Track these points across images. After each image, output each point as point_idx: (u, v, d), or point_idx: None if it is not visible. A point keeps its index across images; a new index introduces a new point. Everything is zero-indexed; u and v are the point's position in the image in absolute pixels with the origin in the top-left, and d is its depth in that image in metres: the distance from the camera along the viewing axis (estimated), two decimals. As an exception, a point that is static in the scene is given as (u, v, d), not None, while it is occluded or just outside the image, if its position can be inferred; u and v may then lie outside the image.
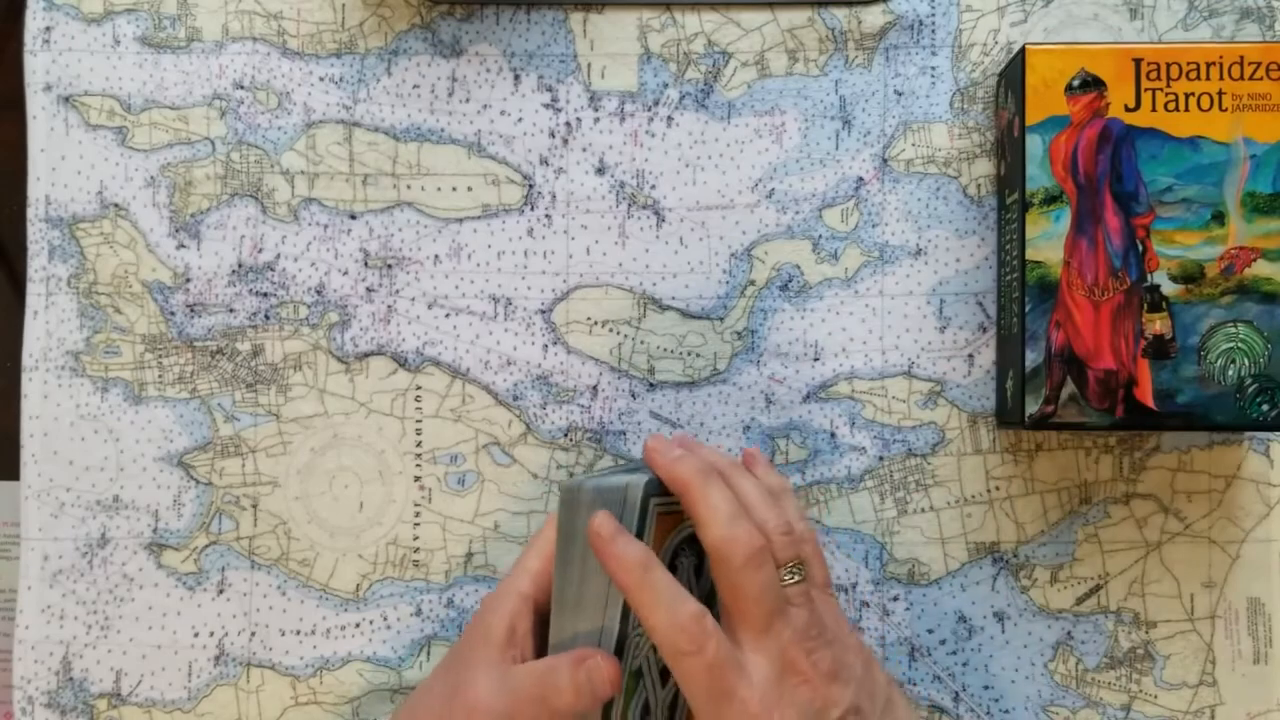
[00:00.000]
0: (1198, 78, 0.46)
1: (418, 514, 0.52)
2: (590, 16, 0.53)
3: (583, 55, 0.53)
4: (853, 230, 0.52)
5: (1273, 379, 0.46)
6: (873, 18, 0.52)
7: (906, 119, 0.52)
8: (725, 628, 0.40)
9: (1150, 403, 0.46)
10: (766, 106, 0.52)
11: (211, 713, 0.52)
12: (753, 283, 0.52)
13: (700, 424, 0.52)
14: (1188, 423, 0.46)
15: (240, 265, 0.53)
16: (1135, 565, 0.52)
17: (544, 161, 0.53)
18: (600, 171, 0.53)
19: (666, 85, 0.53)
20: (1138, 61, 0.46)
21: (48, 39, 0.53)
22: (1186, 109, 0.46)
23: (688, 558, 0.43)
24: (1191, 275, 0.46)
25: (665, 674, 0.42)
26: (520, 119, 0.53)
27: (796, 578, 0.41)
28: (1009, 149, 0.49)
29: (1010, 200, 0.49)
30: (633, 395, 0.52)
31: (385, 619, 0.52)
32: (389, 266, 0.53)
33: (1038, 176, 0.46)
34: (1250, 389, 0.46)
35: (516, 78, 0.53)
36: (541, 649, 0.43)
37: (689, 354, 0.52)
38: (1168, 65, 0.46)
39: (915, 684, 0.52)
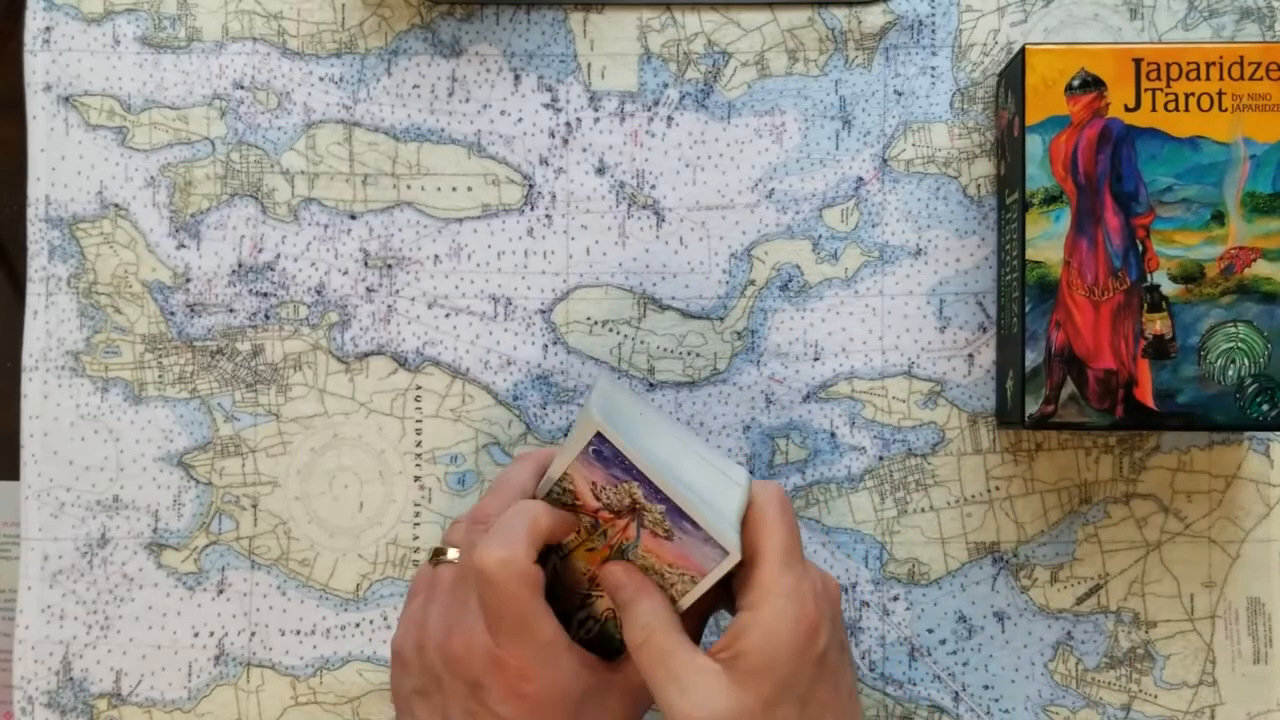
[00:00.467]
0: (1198, 78, 0.46)
1: (418, 514, 0.52)
2: (590, 16, 0.53)
3: (583, 55, 0.53)
4: (853, 230, 0.52)
5: (1273, 379, 0.46)
6: (873, 18, 0.52)
7: (906, 119, 0.52)
8: None
9: (1150, 403, 0.46)
10: (766, 106, 0.52)
11: (211, 713, 0.52)
12: (753, 283, 0.52)
13: (700, 424, 0.52)
14: (1188, 423, 0.46)
15: (240, 265, 0.53)
16: (1135, 565, 0.52)
17: (544, 161, 0.53)
18: (600, 171, 0.53)
19: (666, 85, 0.53)
20: (1138, 61, 0.46)
21: (48, 39, 0.53)
22: (1186, 109, 0.46)
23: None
24: (1191, 275, 0.46)
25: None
26: (520, 119, 0.53)
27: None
28: (1009, 149, 0.49)
29: (1010, 200, 0.49)
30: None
31: (385, 619, 0.52)
32: (389, 266, 0.53)
33: (1038, 176, 0.46)
34: (1250, 389, 0.46)
35: (516, 78, 0.53)
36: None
37: (689, 354, 0.52)
38: (1168, 65, 0.46)
39: (915, 684, 0.52)
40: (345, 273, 0.53)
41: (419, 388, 0.52)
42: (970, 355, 0.52)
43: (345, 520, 0.52)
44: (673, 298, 0.52)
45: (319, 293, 0.53)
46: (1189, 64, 0.46)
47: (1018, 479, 0.52)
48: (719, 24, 0.53)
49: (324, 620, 0.52)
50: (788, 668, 0.38)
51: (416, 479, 0.52)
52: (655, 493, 0.39)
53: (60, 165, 0.53)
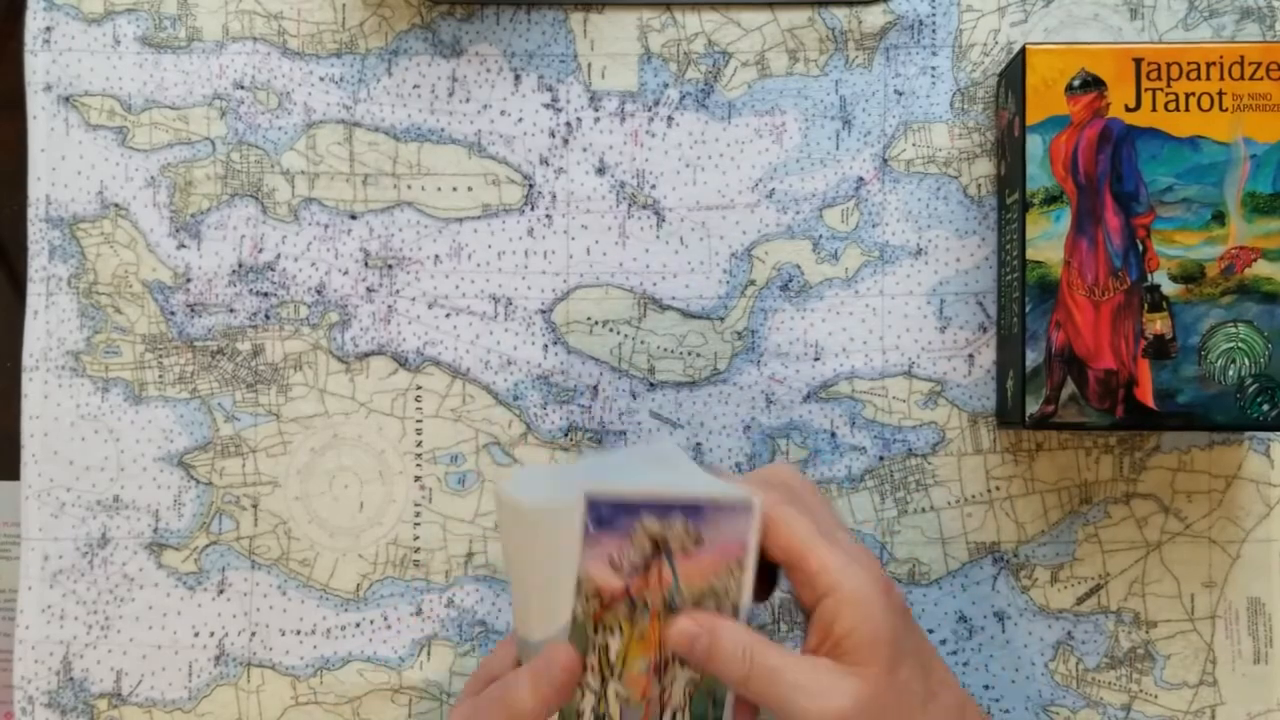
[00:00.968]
0: (1198, 78, 0.46)
1: (418, 514, 0.52)
2: (590, 16, 0.53)
3: (583, 55, 0.53)
4: (853, 230, 0.52)
5: (1273, 379, 0.46)
6: (873, 18, 0.52)
7: (907, 119, 0.52)
8: None
9: (1150, 403, 0.46)
10: (767, 106, 0.52)
11: (212, 713, 0.52)
12: (753, 283, 0.52)
13: (700, 424, 0.52)
14: (1188, 423, 0.46)
15: (240, 265, 0.53)
16: (1135, 565, 0.52)
17: (544, 161, 0.53)
18: (600, 171, 0.53)
19: (667, 85, 0.53)
20: (1138, 61, 0.46)
21: (48, 39, 0.53)
22: (1187, 109, 0.46)
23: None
24: (1192, 275, 0.46)
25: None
26: (520, 119, 0.53)
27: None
28: (1009, 149, 0.49)
29: (1010, 200, 0.49)
30: (633, 395, 0.52)
31: (386, 619, 0.52)
32: (389, 266, 0.53)
33: (1038, 176, 0.46)
34: (1250, 389, 0.46)
35: (517, 78, 0.53)
36: None
37: (689, 354, 0.52)
38: (1168, 65, 0.46)
39: (915, 684, 0.52)
40: (345, 273, 0.53)
41: (419, 388, 0.52)
42: (970, 355, 0.52)
43: (345, 520, 0.52)
44: (673, 298, 0.52)
45: (319, 293, 0.53)
46: (1189, 64, 0.46)
47: (1018, 479, 0.52)
48: (719, 24, 0.53)
49: (324, 620, 0.52)
50: (889, 628, 0.38)
51: (417, 479, 0.52)
52: (664, 507, 0.38)
53: (60, 165, 0.53)
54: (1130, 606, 0.51)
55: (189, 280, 0.53)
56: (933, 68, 0.52)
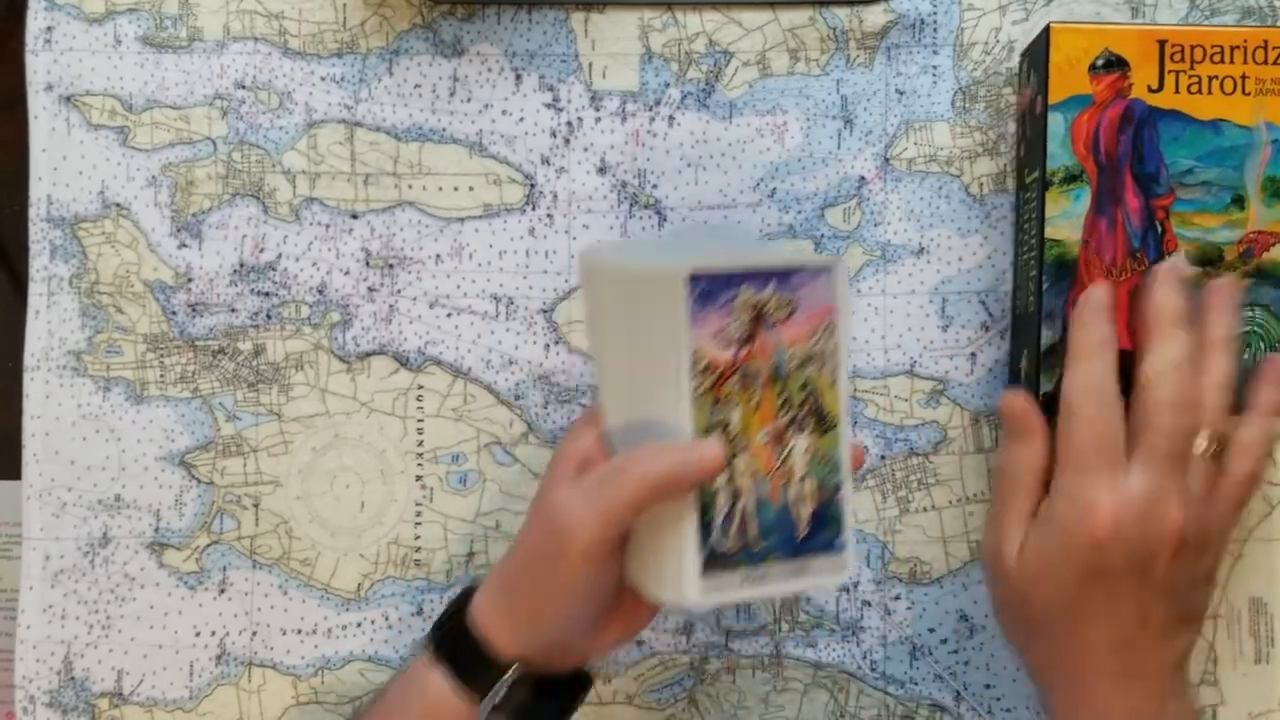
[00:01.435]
0: (1221, 61, 0.46)
1: (419, 513, 0.52)
2: (591, 16, 0.53)
3: (584, 55, 0.53)
4: (855, 230, 0.52)
5: None
6: (874, 17, 0.52)
7: (908, 118, 0.52)
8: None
9: None
10: (768, 106, 0.52)
11: (213, 712, 0.52)
12: (754, 282, 0.52)
13: (702, 423, 0.52)
14: None
15: (242, 265, 0.53)
16: (1137, 565, 0.52)
17: (545, 161, 0.53)
18: (602, 171, 0.53)
19: (668, 85, 0.53)
20: (1162, 43, 0.46)
21: (49, 39, 0.53)
22: (1209, 92, 0.46)
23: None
24: (1210, 258, 0.46)
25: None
26: (522, 119, 0.53)
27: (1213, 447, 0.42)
28: (1030, 127, 0.49)
29: (1030, 179, 0.48)
30: (634, 395, 0.52)
31: (386, 619, 0.52)
32: (390, 266, 0.53)
33: (1058, 155, 0.46)
34: None
35: (518, 77, 0.53)
36: None
37: (690, 353, 0.52)
38: (1191, 48, 0.46)
39: (917, 683, 0.52)
40: (347, 272, 0.53)
41: (420, 387, 0.52)
42: (973, 354, 0.52)
43: (347, 520, 0.52)
44: (674, 297, 0.52)
45: (320, 292, 0.53)
46: (1213, 47, 0.46)
47: (1020, 478, 0.52)
48: (720, 23, 0.53)
49: (325, 620, 0.52)
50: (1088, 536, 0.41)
51: (418, 479, 0.52)
52: (760, 276, 0.39)
53: (62, 165, 0.53)
54: (1132, 606, 0.51)
55: (190, 280, 0.53)
56: (934, 67, 0.52)
